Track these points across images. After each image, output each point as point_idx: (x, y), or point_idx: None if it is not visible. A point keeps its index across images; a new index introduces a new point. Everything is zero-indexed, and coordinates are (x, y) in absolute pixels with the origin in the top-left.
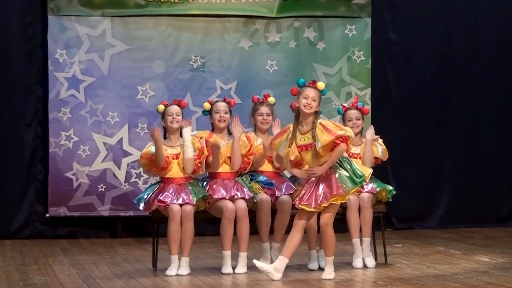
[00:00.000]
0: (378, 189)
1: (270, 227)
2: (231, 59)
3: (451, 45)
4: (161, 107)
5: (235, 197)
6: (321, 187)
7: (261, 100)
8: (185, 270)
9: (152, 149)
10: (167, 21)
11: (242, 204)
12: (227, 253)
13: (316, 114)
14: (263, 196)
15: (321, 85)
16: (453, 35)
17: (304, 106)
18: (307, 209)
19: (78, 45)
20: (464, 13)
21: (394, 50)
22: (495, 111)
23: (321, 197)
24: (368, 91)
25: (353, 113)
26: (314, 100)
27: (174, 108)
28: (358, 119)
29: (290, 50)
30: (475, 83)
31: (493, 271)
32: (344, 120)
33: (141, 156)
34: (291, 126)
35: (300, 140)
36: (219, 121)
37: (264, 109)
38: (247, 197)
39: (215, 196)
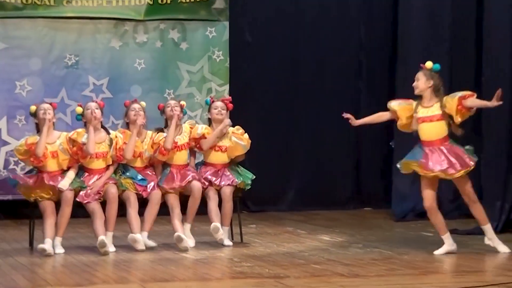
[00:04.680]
0: (238, 182)
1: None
2: (103, 57)
3: (299, 44)
4: (33, 108)
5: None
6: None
7: (132, 101)
8: (60, 249)
9: (32, 139)
10: (43, 22)
11: (113, 188)
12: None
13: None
14: (131, 195)
15: (428, 64)
16: (300, 38)
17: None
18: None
19: None
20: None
21: (249, 50)
22: (337, 101)
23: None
24: (227, 87)
25: (220, 104)
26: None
27: (45, 105)
28: (223, 109)
29: (156, 50)
30: (318, 76)
31: (333, 249)
32: (210, 109)
33: (23, 145)
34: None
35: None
36: (95, 118)
37: (136, 106)
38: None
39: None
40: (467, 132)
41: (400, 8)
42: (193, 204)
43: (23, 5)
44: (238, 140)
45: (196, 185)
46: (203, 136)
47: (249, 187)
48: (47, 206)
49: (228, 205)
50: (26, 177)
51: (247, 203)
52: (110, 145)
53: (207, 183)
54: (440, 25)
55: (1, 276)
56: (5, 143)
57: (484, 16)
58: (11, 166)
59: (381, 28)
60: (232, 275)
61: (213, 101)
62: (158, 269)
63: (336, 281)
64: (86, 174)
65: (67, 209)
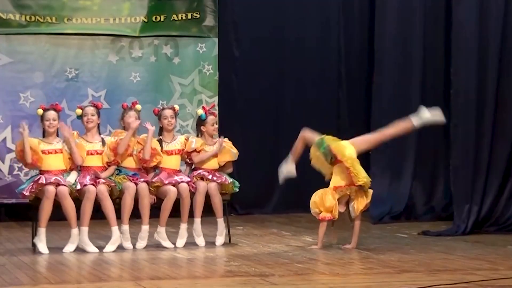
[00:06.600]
0: (230, 181)
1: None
2: (101, 71)
3: (284, 59)
4: (40, 111)
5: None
6: None
7: (130, 107)
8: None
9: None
10: (45, 39)
11: (102, 187)
12: (85, 229)
13: None
14: (129, 184)
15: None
16: (284, 51)
17: None
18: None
19: None
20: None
21: (237, 64)
22: (319, 109)
23: None
24: (216, 98)
25: (213, 118)
26: None
27: (51, 114)
28: (215, 123)
29: (150, 64)
30: (301, 86)
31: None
32: (204, 123)
33: (16, 146)
34: None
35: None
36: (86, 122)
37: (132, 113)
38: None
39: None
40: (439, 138)
41: (376, 26)
42: (183, 204)
43: (27, 23)
44: (229, 148)
45: (183, 187)
46: (195, 150)
47: (237, 190)
48: (48, 189)
49: (217, 198)
50: (30, 189)
51: (235, 207)
52: (103, 145)
53: (198, 179)
54: (412, 40)
55: (6, 274)
56: (10, 150)
57: (452, 36)
58: (15, 172)
59: (359, 43)
60: (221, 274)
61: (207, 116)
62: (152, 268)
63: (317, 279)
64: (82, 173)
65: (67, 202)
